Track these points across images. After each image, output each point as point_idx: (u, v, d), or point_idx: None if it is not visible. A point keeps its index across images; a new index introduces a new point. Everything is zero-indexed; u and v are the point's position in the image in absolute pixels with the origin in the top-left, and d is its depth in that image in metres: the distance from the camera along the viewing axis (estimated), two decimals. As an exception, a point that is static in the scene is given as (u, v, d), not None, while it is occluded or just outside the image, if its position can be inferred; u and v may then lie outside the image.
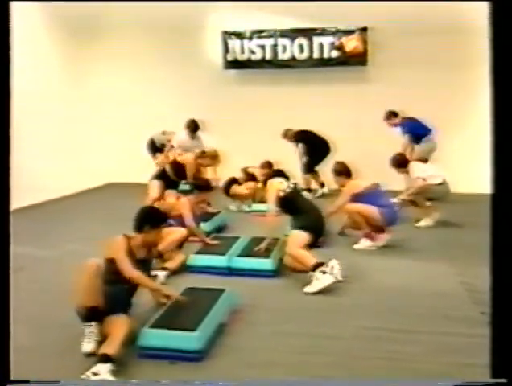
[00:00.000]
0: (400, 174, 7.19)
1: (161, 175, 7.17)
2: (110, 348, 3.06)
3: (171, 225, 5.15)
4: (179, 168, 7.16)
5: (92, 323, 3.32)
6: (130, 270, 3.45)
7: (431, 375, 3.06)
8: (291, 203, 5.01)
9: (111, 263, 3.49)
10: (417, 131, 8.21)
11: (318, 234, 4.92)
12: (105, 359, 2.95)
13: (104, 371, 2.88)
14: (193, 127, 8.35)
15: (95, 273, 3.28)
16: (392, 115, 8.44)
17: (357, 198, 5.53)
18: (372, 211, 5.44)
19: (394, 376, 3.05)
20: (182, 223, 5.45)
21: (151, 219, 3.72)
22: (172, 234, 5.07)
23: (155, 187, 6.98)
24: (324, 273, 4.37)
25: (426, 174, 6.60)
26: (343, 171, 5.72)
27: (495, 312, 1.86)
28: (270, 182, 5.20)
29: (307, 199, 5.10)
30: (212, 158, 7.49)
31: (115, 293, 3.45)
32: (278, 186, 5.13)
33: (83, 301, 3.30)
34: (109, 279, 3.46)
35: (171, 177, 7.12)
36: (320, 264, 4.43)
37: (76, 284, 3.33)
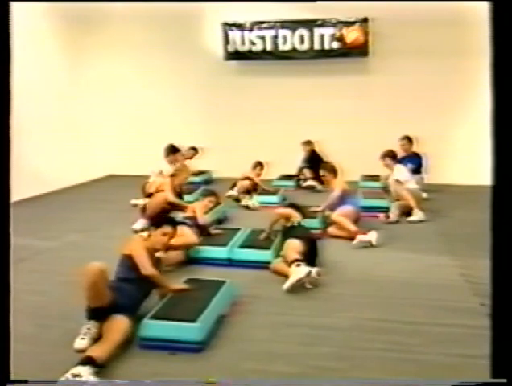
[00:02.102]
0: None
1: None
2: (98, 352, 2.99)
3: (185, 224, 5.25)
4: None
5: (90, 322, 3.31)
6: (146, 266, 3.57)
7: (431, 365, 3.07)
8: (291, 233, 5.07)
9: (128, 259, 3.61)
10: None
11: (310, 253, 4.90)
12: (87, 361, 2.87)
13: (85, 373, 2.77)
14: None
15: (97, 277, 3.23)
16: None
17: (343, 196, 6.24)
18: (349, 218, 5.92)
19: (393, 367, 3.06)
20: (196, 224, 5.55)
21: (157, 221, 4.00)
22: (185, 237, 5.08)
23: None
24: (299, 265, 4.31)
25: (403, 178, 7.10)
26: (332, 171, 6.46)
27: (495, 304, 1.86)
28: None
29: (307, 230, 5.27)
30: (185, 171, 6.99)
31: (127, 291, 3.48)
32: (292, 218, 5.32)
33: (87, 301, 3.30)
34: (123, 277, 3.56)
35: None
36: (297, 260, 4.39)
37: (81, 284, 3.28)
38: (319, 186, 8.49)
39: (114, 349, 3.09)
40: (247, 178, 8.19)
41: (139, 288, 3.59)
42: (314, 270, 4.28)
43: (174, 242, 4.86)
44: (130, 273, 3.58)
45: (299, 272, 4.25)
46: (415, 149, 8.28)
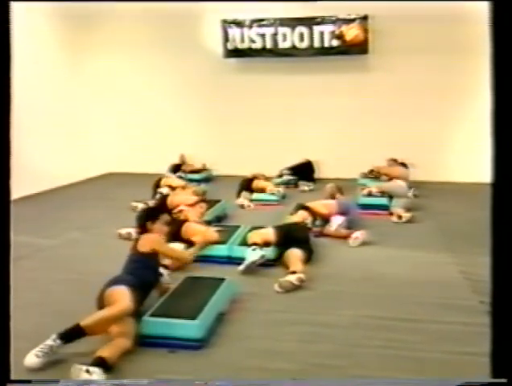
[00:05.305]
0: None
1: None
2: (110, 353, 2.94)
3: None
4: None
5: (58, 342, 3.02)
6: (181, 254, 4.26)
7: (430, 363, 3.08)
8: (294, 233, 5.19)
9: (146, 257, 3.62)
10: None
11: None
12: (101, 363, 2.83)
13: (96, 375, 2.72)
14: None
15: (125, 314, 3.16)
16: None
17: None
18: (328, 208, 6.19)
19: (393, 365, 3.07)
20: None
21: (149, 215, 3.92)
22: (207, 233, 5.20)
23: None
24: (254, 249, 4.63)
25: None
26: (340, 190, 6.78)
27: (495, 302, 1.86)
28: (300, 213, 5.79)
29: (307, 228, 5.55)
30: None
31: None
32: (303, 218, 5.67)
33: (85, 321, 3.10)
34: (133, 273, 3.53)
35: None
36: (255, 244, 4.75)
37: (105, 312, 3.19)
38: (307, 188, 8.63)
39: (124, 351, 3.07)
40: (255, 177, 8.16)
41: (145, 284, 3.58)
42: (294, 277, 4.26)
43: (196, 240, 4.93)
44: (137, 271, 3.54)
45: (253, 254, 4.60)
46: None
